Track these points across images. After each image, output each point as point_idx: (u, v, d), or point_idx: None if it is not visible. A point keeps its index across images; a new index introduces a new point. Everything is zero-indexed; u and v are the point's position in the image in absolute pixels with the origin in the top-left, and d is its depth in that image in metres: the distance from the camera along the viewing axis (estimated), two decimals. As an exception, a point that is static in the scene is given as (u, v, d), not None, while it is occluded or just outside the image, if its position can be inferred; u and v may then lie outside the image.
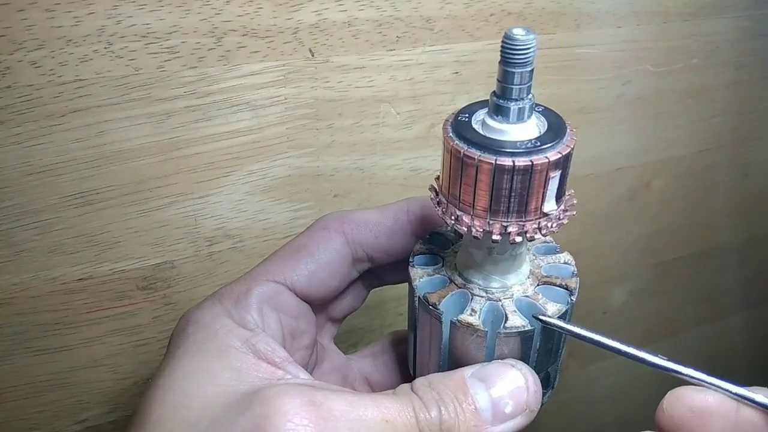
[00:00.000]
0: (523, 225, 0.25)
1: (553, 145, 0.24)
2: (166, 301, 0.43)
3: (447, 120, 0.26)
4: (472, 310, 0.28)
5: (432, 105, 0.44)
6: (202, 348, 0.27)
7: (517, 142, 0.24)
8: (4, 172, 0.35)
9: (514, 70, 0.24)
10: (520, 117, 0.25)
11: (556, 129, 0.25)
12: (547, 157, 0.24)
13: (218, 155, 0.39)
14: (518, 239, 0.25)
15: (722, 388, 0.24)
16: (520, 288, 0.29)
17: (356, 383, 0.36)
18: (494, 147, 0.24)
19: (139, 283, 0.41)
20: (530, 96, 0.25)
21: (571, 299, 0.28)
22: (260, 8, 0.36)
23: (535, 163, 0.24)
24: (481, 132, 0.25)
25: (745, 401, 0.24)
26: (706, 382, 0.24)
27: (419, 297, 0.29)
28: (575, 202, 0.27)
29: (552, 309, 0.28)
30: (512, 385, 0.26)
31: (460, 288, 0.29)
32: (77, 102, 0.35)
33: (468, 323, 0.27)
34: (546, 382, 0.30)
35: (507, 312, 0.27)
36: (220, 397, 0.24)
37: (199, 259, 0.42)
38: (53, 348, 0.41)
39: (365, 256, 0.33)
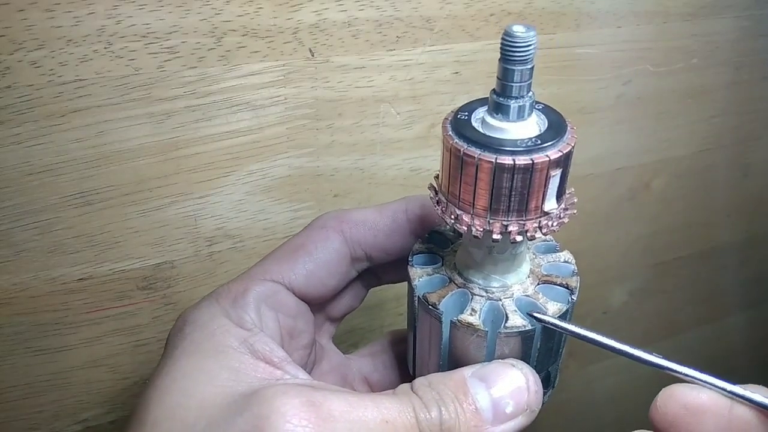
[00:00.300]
0: (524, 224, 0.25)
1: (553, 143, 0.24)
2: (166, 301, 0.43)
3: (446, 118, 0.26)
4: (472, 309, 0.27)
5: (432, 105, 0.44)
6: (199, 348, 0.27)
7: (517, 140, 0.24)
8: (4, 172, 0.35)
9: (514, 67, 0.24)
10: (521, 115, 0.25)
11: (556, 127, 0.25)
12: (547, 156, 0.24)
13: (218, 155, 0.39)
14: (519, 238, 0.25)
15: (716, 386, 0.24)
16: (520, 287, 0.28)
17: (355, 383, 0.36)
18: (494, 145, 0.24)
19: (139, 283, 0.41)
20: (530, 94, 0.25)
21: (572, 298, 0.28)
22: (260, 8, 0.36)
23: (535, 161, 0.24)
24: (480, 130, 0.25)
25: (739, 399, 0.24)
26: (701, 380, 0.24)
27: (419, 297, 0.29)
28: (576, 200, 0.27)
29: (552, 308, 0.27)
30: (513, 384, 0.26)
31: (459, 287, 0.29)
32: (77, 102, 0.35)
33: (468, 323, 0.27)
34: (546, 382, 0.30)
35: (507, 311, 0.27)
36: (218, 398, 0.24)
37: (199, 259, 0.42)
38: (53, 348, 0.41)
39: (364, 255, 0.33)
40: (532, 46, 0.24)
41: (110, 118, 0.36)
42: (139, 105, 0.36)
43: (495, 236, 0.25)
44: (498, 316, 0.27)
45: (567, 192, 0.26)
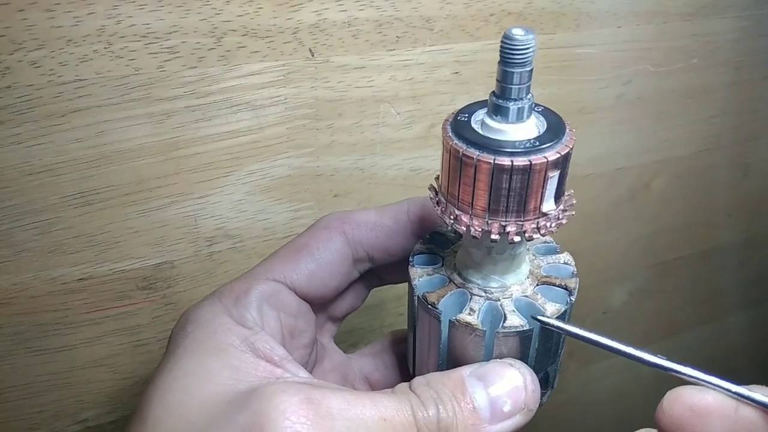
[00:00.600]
0: (522, 225, 0.25)
1: (551, 145, 0.24)
2: (166, 301, 0.43)
3: (446, 120, 0.26)
4: (471, 309, 0.28)
5: (432, 105, 0.44)
6: (201, 346, 0.27)
7: (516, 141, 0.24)
8: (4, 172, 0.35)
9: (513, 70, 0.24)
10: (520, 117, 0.25)
11: (555, 129, 0.25)
12: (545, 157, 0.24)
13: (218, 155, 0.39)
14: (517, 239, 0.25)
15: (721, 387, 0.24)
16: (519, 288, 0.29)
17: (356, 382, 0.36)
18: (493, 147, 0.24)
19: (139, 283, 0.41)
20: (529, 96, 0.25)
21: (570, 299, 0.28)
22: (260, 8, 0.36)
23: (533, 163, 0.24)
24: (480, 132, 0.25)
25: (745, 400, 0.24)
26: (706, 382, 0.24)
27: (418, 296, 0.29)
28: (574, 202, 0.27)
29: (551, 309, 0.27)
30: (510, 384, 0.26)
31: (459, 287, 0.29)
32: (77, 102, 0.35)
33: (466, 323, 0.27)
34: (545, 382, 0.30)
35: (506, 312, 0.27)
36: (219, 396, 0.25)
37: (199, 259, 0.42)
38: (53, 348, 0.41)
39: (366, 256, 0.33)
40: (531, 49, 0.24)
41: (110, 118, 0.36)
42: (139, 105, 0.36)
43: (493, 236, 0.25)
44: (496, 316, 0.28)
45: (566, 193, 0.27)
